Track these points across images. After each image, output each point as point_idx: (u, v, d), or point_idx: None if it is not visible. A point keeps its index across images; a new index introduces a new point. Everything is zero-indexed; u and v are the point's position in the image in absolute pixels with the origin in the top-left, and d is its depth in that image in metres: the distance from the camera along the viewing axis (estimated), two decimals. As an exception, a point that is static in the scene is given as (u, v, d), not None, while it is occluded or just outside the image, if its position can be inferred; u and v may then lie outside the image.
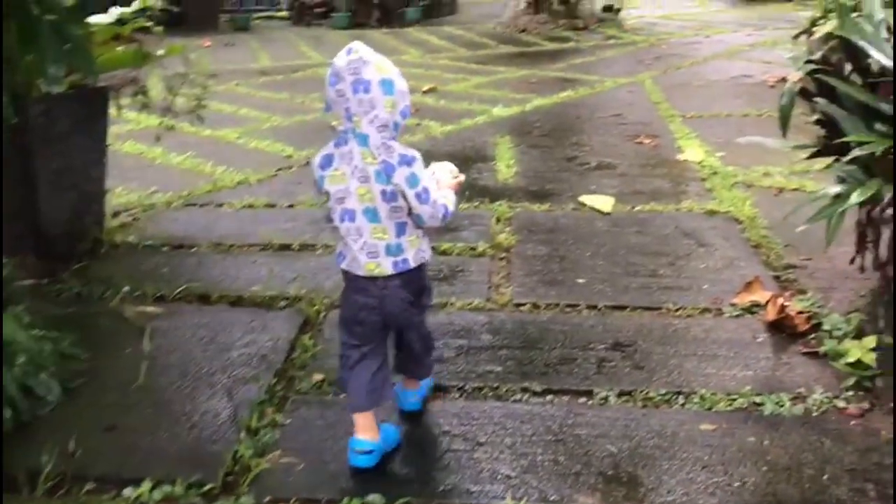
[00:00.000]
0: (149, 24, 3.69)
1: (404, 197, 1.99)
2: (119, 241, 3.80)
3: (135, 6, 3.57)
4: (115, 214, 4.16)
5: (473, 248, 3.70)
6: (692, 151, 5.06)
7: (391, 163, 1.96)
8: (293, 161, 5.11)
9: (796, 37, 6.64)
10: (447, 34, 11.22)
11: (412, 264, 2.07)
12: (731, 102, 6.45)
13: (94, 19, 3.52)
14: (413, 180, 1.98)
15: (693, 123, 5.81)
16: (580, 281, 3.36)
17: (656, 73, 7.78)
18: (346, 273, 2.11)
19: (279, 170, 4.94)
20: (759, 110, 6.07)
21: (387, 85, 1.95)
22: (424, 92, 7.18)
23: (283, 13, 13.67)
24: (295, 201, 4.37)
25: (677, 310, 3.10)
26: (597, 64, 8.43)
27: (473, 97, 6.89)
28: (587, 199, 4.29)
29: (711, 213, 4.08)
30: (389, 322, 2.14)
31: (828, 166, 3.00)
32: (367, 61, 1.94)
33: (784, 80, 7.11)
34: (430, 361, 2.42)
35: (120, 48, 3.53)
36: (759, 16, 11.77)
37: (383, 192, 1.98)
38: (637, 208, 4.17)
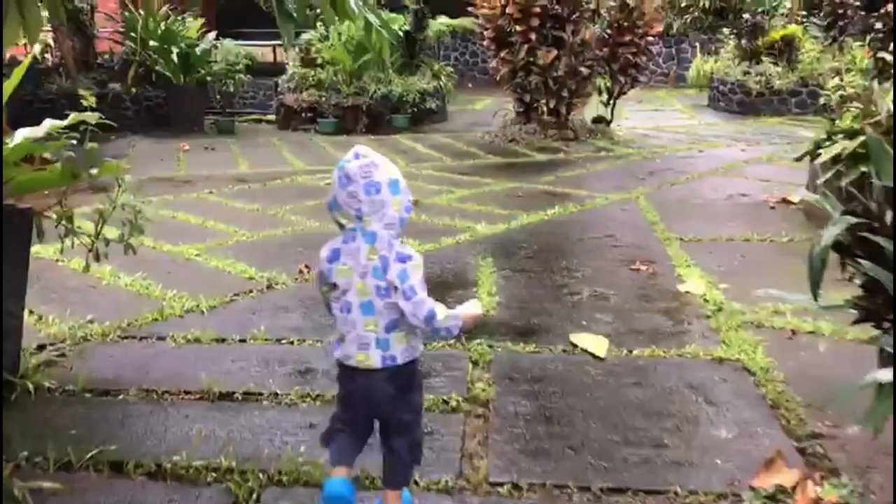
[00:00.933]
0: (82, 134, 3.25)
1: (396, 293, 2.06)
2: (35, 386, 3.26)
3: (70, 120, 3.13)
4: (40, 349, 3.65)
5: (446, 402, 3.18)
6: (693, 282, 4.60)
7: (388, 258, 2.06)
8: (253, 284, 4.63)
9: (799, 159, 6.32)
10: (435, 142, 10.98)
11: (399, 361, 2.15)
12: (730, 224, 6.05)
13: (22, 133, 3.08)
14: (402, 276, 2.05)
15: (692, 248, 5.38)
16: (570, 451, 2.82)
17: (650, 190, 7.43)
18: (338, 362, 2.21)
19: (236, 295, 4.44)
20: (762, 235, 5.67)
21: (394, 185, 2.07)
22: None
23: (272, 117, 13.49)
24: (248, 334, 3.86)
25: (687, 495, 2.56)
26: (588, 177, 8.10)
27: (456, 212, 6.49)
28: (579, 338, 3.80)
29: (719, 360, 3.58)
30: (375, 414, 2.23)
31: (872, 339, 2.51)
32: (377, 164, 2.06)
33: (786, 201, 6.78)
34: (411, 472, 2.38)
35: (48, 166, 3.07)
36: (752, 130, 11.62)
37: (377, 287, 2.08)
38: (635, 352, 3.67)
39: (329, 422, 2.32)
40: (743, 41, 14.30)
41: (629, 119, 12.92)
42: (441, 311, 2.10)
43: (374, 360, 2.13)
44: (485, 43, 11.30)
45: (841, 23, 13.80)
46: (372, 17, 3.86)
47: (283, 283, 4.66)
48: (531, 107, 11.07)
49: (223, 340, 3.80)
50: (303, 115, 12.62)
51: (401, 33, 13.07)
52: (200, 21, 13.06)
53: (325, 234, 5.83)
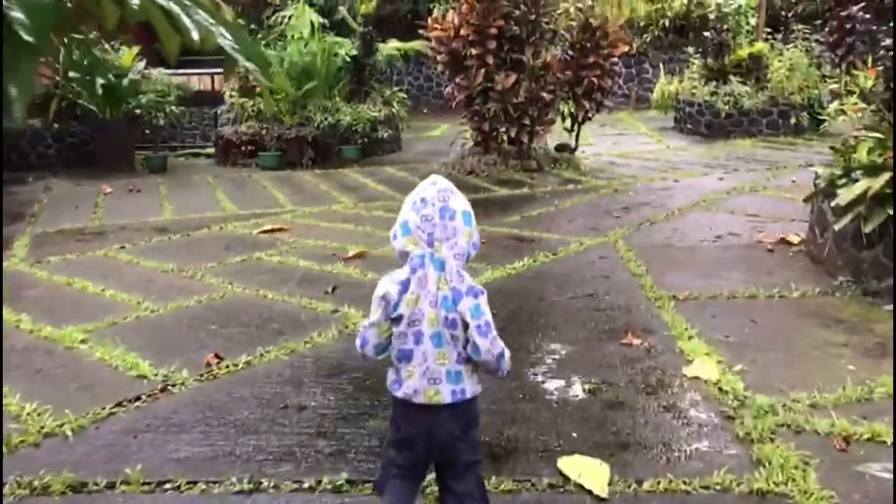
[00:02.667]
0: None
1: (465, 327, 2.04)
2: None
3: None
4: None
5: None
6: (702, 364, 3.69)
7: (460, 290, 2.05)
8: (143, 386, 3.60)
9: (808, 199, 5.44)
10: (387, 176, 10.03)
11: (468, 395, 2.12)
12: (728, 275, 5.17)
13: None
14: (476, 312, 2.03)
15: (690, 310, 4.49)
16: None
17: (628, 231, 6.55)
18: (398, 401, 2.13)
19: (118, 405, 3.41)
20: (768, 289, 4.81)
21: (467, 217, 2.09)
22: (349, 258, 5.80)
23: (212, 150, 12.42)
24: (119, 475, 2.82)
25: None
26: (557, 216, 7.20)
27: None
28: (569, 465, 2.84)
29: (761, 495, 2.64)
30: (438, 455, 2.15)
31: None
32: (454, 192, 2.09)
33: (784, 241, 5.93)
34: None
35: None
36: (725, 155, 10.88)
37: (446, 318, 2.05)
38: (646, 485, 2.72)
39: (382, 467, 2.24)
40: (709, 60, 13.63)
41: (593, 145, 12.13)
42: (507, 354, 2.12)
43: (444, 394, 2.09)
44: (438, 68, 10.40)
45: (849, 39, 12.36)
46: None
47: (182, 382, 3.64)
48: (490, 135, 10.19)
49: (82, 488, 2.75)
50: (243, 148, 11.58)
51: (348, 58, 12.14)
52: (135, 49, 11.98)
53: (248, 301, 4.87)
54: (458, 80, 9.90)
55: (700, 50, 14.12)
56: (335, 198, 8.54)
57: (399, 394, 2.12)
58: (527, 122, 9.80)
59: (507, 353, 2.12)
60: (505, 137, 10.15)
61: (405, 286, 2.08)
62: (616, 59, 10.58)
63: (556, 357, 3.91)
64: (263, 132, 11.49)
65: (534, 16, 9.69)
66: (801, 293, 4.74)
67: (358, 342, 2.17)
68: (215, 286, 5.18)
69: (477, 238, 2.14)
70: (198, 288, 5.14)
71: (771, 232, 6.28)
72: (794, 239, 5.92)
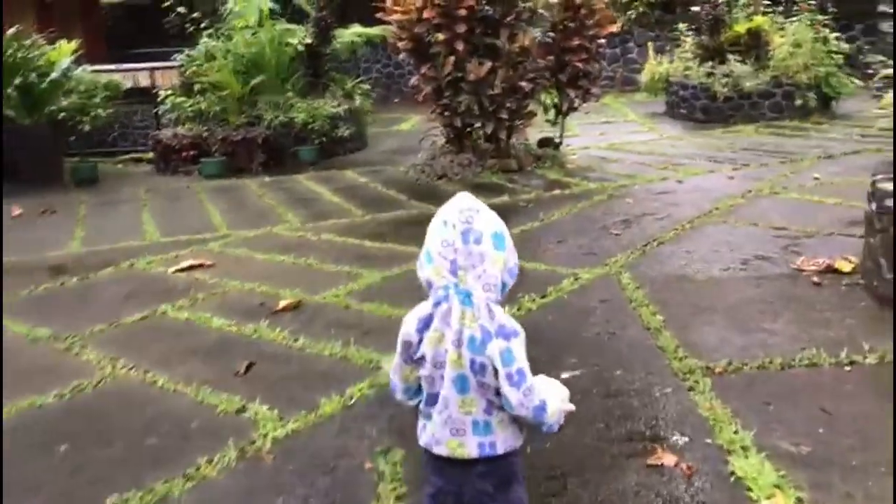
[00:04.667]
0: None
1: (495, 374, 1.73)
2: None
3: None
4: None
5: None
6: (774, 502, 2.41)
7: (488, 330, 1.74)
8: None
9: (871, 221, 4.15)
10: (346, 183, 8.71)
11: (499, 450, 1.82)
12: (771, 327, 3.93)
13: None
14: (507, 357, 1.74)
15: (734, 392, 3.25)
16: None
17: (632, 256, 5.27)
18: (425, 450, 1.90)
19: None
20: (832, 351, 3.59)
21: (498, 239, 1.78)
22: (278, 311, 4.50)
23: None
24: None
25: None
26: (543, 234, 5.91)
27: (354, 327, 4.22)
28: None
29: None
30: None
31: None
32: (480, 210, 1.79)
33: (832, 270, 4.67)
34: None
35: None
36: (727, 145, 9.61)
37: (472, 362, 1.76)
38: None
39: None
40: (703, 37, 12.34)
41: (579, 136, 10.86)
42: (551, 403, 1.80)
43: (469, 447, 1.81)
44: (401, 56, 9.05)
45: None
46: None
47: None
48: (463, 132, 8.89)
49: None
50: (184, 154, 10.21)
51: (301, 48, 10.76)
52: (72, 45, 10.56)
53: (128, 395, 3.38)
54: (423, 69, 8.59)
55: (693, 26, 12.83)
56: (280, 215, 7.21)
57: (421, 442, 1.91)
58: (504, 115, 8.50)
59: (552, 405, 1.80)
60: (480, 134, 8.84)
61: (426, 323, 1.81)
62: (603, 41, 9.28)
63: (556, 496, 2.62)
64: (206, 135, 10.12)
65: (508, -7, 8.36)
66: (877, 356, 3.49)
67: (391, 386, 1.98)
68: (91, 366, 3.87)
69: (514, 263, 1.84)
70: (67, 370, 3.84)
71: (810, 254, 5.02)
72: (845, 266, 4.67)
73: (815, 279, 4.57)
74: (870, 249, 4.36)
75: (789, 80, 11.31)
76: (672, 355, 3.66)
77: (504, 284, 1.81)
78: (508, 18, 8.36)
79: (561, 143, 9.54)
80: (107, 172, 10.30)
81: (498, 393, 1.78)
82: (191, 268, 5.57)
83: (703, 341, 3.80)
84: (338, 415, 3.24)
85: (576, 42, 8.73)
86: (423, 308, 1.84)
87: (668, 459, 2.78)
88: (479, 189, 7.76)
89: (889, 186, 4.02)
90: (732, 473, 2.66)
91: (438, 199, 7.54)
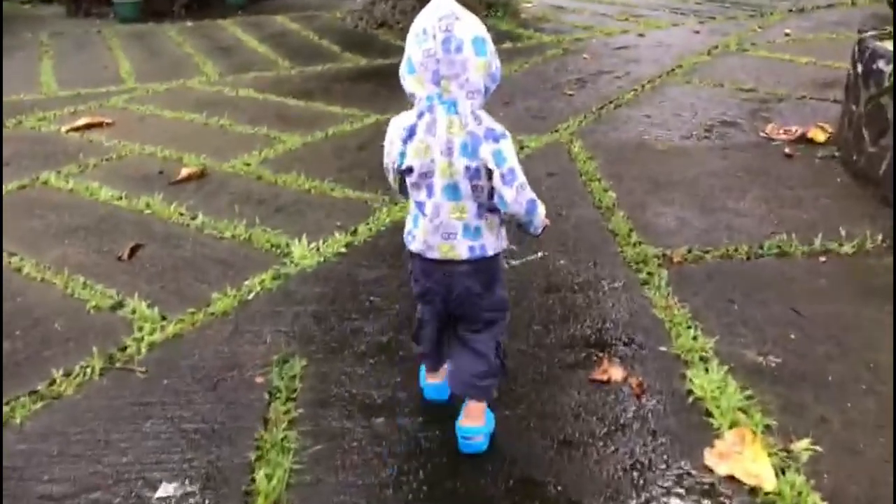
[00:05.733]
0: None
1: (489, 176, 1.76)
2: None
3: None
4: None
5: None
6: (737, 441, 2.05)
7: (477, 135, 1.75)
8: None
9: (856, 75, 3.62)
10: (275, 29, 7.84)
11: (489, 252, 1.88)
12: (736, 206, 3.50)
13: None
14: (499, 157, 1.75)
15: (694, 287, 2.83)
16: None
17: (586, 121, 4.72)
18: (413, 255, 1.93)
19: None
20: (805, 236, 3.14)
21: (479, 44, 1.70)
22: (179, 181, 3.89)
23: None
24: None
25: None
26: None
27: (264, 203, 3.66)
28: None
29: None
30: (456, 310, 1.96)
31: None
32: (459, 17, 1.69)
33: (806, 139, 4.18)
34: (495, 382, 2.04)
35: None
36: (694, -5, 8.87)
37: (467, 168, 1.77)
38: None
39: (416, 321, 2.09)
40: None
41: (535, -18, 9.93)
42: (539, 203, 1.86)
43: (460, 250, 1.85)
44: None
45: None
46: None
47: None
48: (407, -26, 7.96)
49: None
50: (96, -7, 9.12)
51: None
52: None
53: None
54: None
55: None
56: (197, 66, 6.42)
57: (412, 247, 1.90)
58: (452, -44, 7.56)
59: (541, 206, 1.86)
60: (425, -23, 7.93)
61: (410, 133, 1.77)
62: None
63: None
64: (120, -29, 9.00)
65: None
66: (854, 244, 3.07)
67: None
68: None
69: (496, 68, 1.76)
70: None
71: (781, 121, 4.53)
72: (820, 135, 4.19)
73: (787, 150, 4.10)
74: (850, 118, 3.86)
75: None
76: (624, 240, 3.19)
77: (487, 89, 1.76)
78: None
79: (515, -12, 8.69)
80: (10, 15, 9.17)
81: (491, 196, 1.79)
82: (87, 126, 4.87)
83: (660, 223, 3.34)
84: (231, 314, 2.73)
85: None
86: (406, 118, 1.79)
87: (615, 373, 2.35)
88: (422, 40, 6.98)
89: (884, 45, 3.46)
90: (690, 393, 2.25)
91: (375, 50, 6.83)
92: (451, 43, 1.69)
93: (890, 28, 3.81)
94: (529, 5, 8.60)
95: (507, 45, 6.75)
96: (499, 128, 1.78)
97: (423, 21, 1.72)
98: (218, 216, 3.50)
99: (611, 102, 5.08)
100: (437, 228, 1.84)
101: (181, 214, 3.53)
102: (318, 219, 3.46)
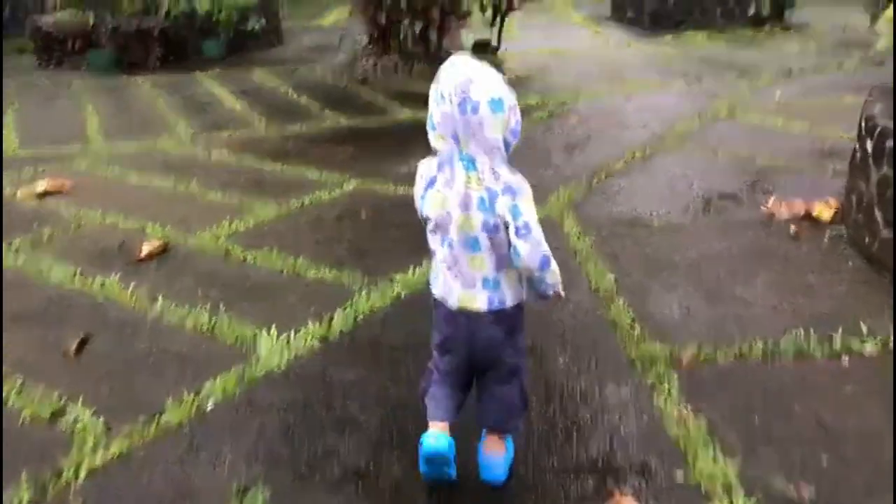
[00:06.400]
0: None
1: (506, 229, 1.83)
2: None
3: None
4: None
5: None
6: None
7: (495, 190, 1.82)
8: None
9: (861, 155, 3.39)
10: (253, 85, 7.61)
11: (508, 303, 1.93)
12: (745, 294, 3.27)
13: None
14: (515, 211, 1.82)
15: (708, 396, 2.58)
16: None
17: (577, 191, 4.50)
18: (437, 301, 1.98)
19: None
20: (822, 333, 2.90)
21: (496, 104, 1.77)
22: (137, 259, 3.57)
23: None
24: None
25: None
26: (474, 162, 5.02)
27: (230, 285, 3.35)
28: None
29: None
30: (477, 360, 1.99)
31: None
32: (474, 80, 1.75)
33: (810, 217, 3.92)
34: (521, 420, 2.14)
35: None
36: (679, 55, 8.78)
37: (485, 223, 1.84)
38: None
39: (425, 374, 2.10)
40: (656, -67, 11.26)
41: (519, 39, 9.84)
42: (552, 260, 1.89)
43: (479, 302, 1.90)
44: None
45: None
46: None
47: None
48: (389, 31, 7.80)
49: None
50: (69, 44, 8.86)
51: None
52: None
53: None
54: (343, -45, 7.38)
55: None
56: (169, 123, 6.14)
57: (435, 292, 1.97)
58: (435, 14, 7.43)
59: (555, 266, 1.90)
60: (408, 34, 7.78)
61: (430, 183, 1.87)
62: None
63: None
64: (95, 23, 8.78)
65: None
66: (879, 342, 2.80)
67: None
68: None
69: (516, 122, 1.83)
70: None
71: (781, 194, 4.30)
72: (825, 213, 3.96)
73: (793, 229, 3.85)
74: (858, 196, 3.64)
75: (745, -16, 10.43)
76: (627, 334, 2.91)
77: (508, 144, 1.82)
78: None
79: (499, 47, 8.55)
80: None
81: (510, 248, 1.83)
82: (45, 193, 4.55)
83: (664, 314, 3.06)
84: (186, 426, 2.40)
85: (519, -72, 7.64)
86: (430, 167, 1.88)
87: (628, 508, 2.04)
88: (406, 99, 6.80)
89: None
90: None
91: (356, 109, 6.59)
92: (468, 105, 1.74)
93: (899, 103, 3.60)
94: (514, 64, 8.44)
95: (492, 105, 6.53)
96: (517, 182, 1.82)
97: (442, 84, 1.78)
98: (179, 301, 3.18)
99: (602, 171, 4.85)
100: (457, 277, 1.90)
101: (138, 299, 3.21)
102: (289, 305, 3.15)
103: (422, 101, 6.24)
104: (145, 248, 3.69)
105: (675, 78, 7.59)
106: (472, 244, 1.86)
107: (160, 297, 3.20)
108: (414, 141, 5.50)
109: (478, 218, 1.83)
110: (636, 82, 7.37)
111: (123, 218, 4.11)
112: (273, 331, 2.89)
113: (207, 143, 5.60)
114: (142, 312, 3.10)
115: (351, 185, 4.61)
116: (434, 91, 1.82)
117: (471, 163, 1.81)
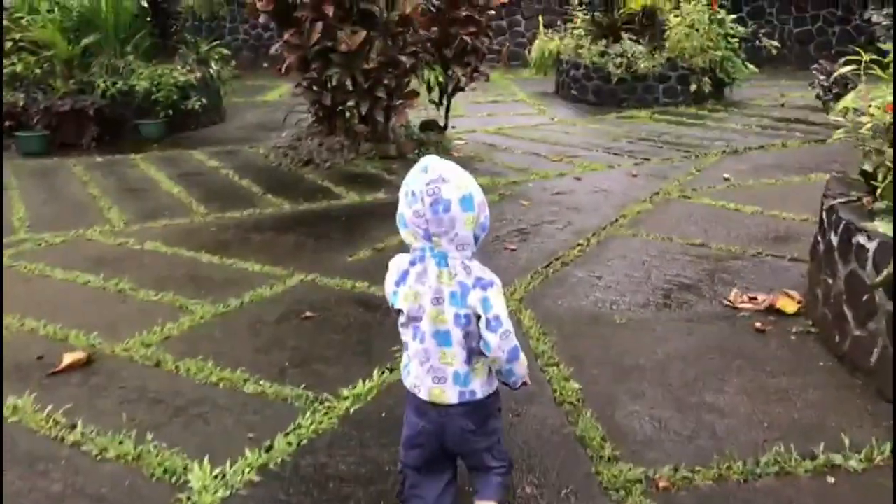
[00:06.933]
0: None
1: (477, 321, 1.87)
2: None
3: None
4: None
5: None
6: None
7: (467, 284, 1.88)
8: None
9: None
10: (192, 167, 7.34)
11: (479, 395, 1.96)
12: (716, 401, 3.09)
13: None
14: (486, 304, 1.87)
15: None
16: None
17: (533, 283, 4.33)
18: (408, 391, 2.01)
19: None
20: (802, 444, 2.72)
21: (467, 202, 1.83)
22: (56, 372, 3.23)
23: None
24: None
25: None
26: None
27: (160, 402, 3.05)
28: None
29: None
30: (448, 449, 2.03)
31: None
32: (447, 179, 1.82)
33: (775, 308, 3.77)
34: (504, 482, 2.14)
35: None
36: (624, 133, 8.83)
37: (457, 316, 1.89)
38: None
39: (399, 478, 2.11)
40: (596, 14, 11.54)
41: (466, 116, 9.89)
42: (521, 354, 1.95)
43: (450, 395, 1.94)
44: (260, 20, 7.68)
45: None
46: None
47: None
48: (335, 111, 7.65)
49: None
50: (-2, 124, 8.49)
51: (144, 3, 9.17)
52: None
53: None
54: (287, 35, 7.27)
55: (586, 1, 12.00)
56: (101, 211, 5.82)
57: (406, 383, 2.01)
58: (382, 94, 7.34)
59: (523, 358, 1.95)
60: (354, 113, 7.64)
61: (403, 277, 1.92)
62: (493, 12, 8.23)
63: None
64: (25, 103, 8.45)
65: (387, -49, 7.17)
66: (863, 456, 2.62)
67: None
68: None
69: (485, 217, 1.90)
70: None
71: (742, 283, 4.20)
72: (789, 306, 3.84)
73: (758, 324, 3.71)
74: (825, 290, 3.52)
75: (685, 64, 10.67)
76: (597, 452, 2.68)
77: (477, 237, 1.88)
78: (387, -19, 7.18)
79: (446, 126, 8.49)
80: None
81: (480, 341, 1.88)
82: (-42, 293, 4.17)
83: (634, 428, 2.84)
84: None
85: (464, 12, 7.66)
86: (402, 261, 1.93)
87: None
88: (353, 182, 6.62)
89: (866, 224, 3.14)
90: None
91: (300, 193, 6.35)
92: (440, 205, 1.79)
93: (859, 195, 3.53)
94: (461, 142, 8.37)
95: (441, 188, 6.37)
96: (488, 276, 1.89)
97: (413, 183, 1.83)
98: (102, 426, 2.85)
99: (557, 259, 4.69)
100: (428, 372, 1.93)
101: (54, 424, 2.86)
102: (225, 427, 2.84)
103: (367, 183, 6.10)
104: (67, 359, 3.35)
105: (623, 157, 7.58)
106: (443, 338, 1.90)
107: (80, 421, 2.86)
108: (359, 227, 5.30)
109: (450, 312, 1.88)
110: (585, 162, 7.33)
111: (44, 324, 3.76)
112: (206, 462, 2.57)
113: (141, 233, 5.29)
114: (58, 441, 2.76)
115: (294, 280, 4.35)
116: (405, 190, 1.85)
117: (443, 259, 1.86)
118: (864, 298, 3.08)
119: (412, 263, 1.91)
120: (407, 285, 1.91)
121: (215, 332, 3.70)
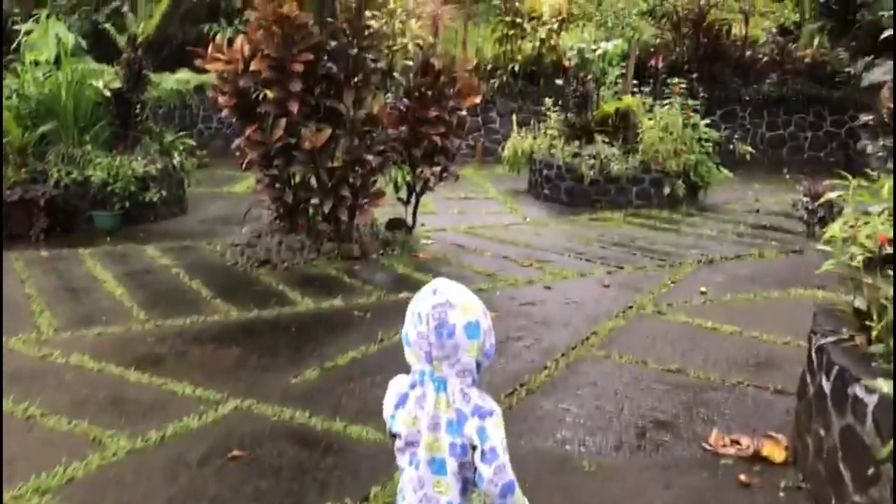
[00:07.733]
0: None
1: (473, 451, 1.82)
2: None
3: None
4: None
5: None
6: None
7: (464, 412, 1.83)
8: None
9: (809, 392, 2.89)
10: (140, 266, 6.92)
11: None
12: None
13: None
14: (482, 434, 1.82)
15: None
16: None
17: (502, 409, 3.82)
18: None
19: None
20: None
21: (472, 329, 1.82)
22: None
23: None
24: None
25: None
26: (379, 368, 4.48)
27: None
28: None
29: None
30: None
31: None
32: (454, 304, 1.81)
33: (760, 457, 3.32)
34: None
35: None
36: (597, 237, 8.56)
37: (452, 445, 1.84)
38: None
39: None
40: (570, 115, 11.48)
41: (435, 213, 9.62)
42: (518, 488, 1.85)
43: None
44: (223, 113, 7.43)
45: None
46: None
47: None
48: (297, 208, 7.34)
49: None
50: (-58, 213, 8.04)
51: (108, 93, 8.91)
52: None
53: None
54: (249, 131, 6.99)
55: (559, 102, 11.96)
56: (32, 315, 5.36)
57: None
58: (346, 192, 7.04)
59: (520, 495, 1.84)
60: (317, 211, 7.32)
61: (402, 400, 1.89)
62: (464, 113, 8.04)
63: None
64: (-28, 191, 8.05)
65: (356, 50, 6.99)
66: None
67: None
68: None
69: (490, 345, 1.87)
70: None
71: (722, 421, 3.82)
72: (776, 453, 3.46)
73: (742, 476, 3.30)
74: (816, 442, 3.13)
75: (658, 166, 10.54)
76: None
77: (479, 364, 1.85)
78: (355, 80, 6.99)
79: (414, 225, 8.18)
80: None
81: (475, 472, 1.83)
82: None
83: None
84: None
85: (433, 113, 7.44)
86: (402, 383, 1.91)
87: None
88: (310, 285, 6.23)
89: (866, 383, 2.78)
90: None
91: (251, 298, 5.88)
92: (444, 329, 1.77)
93: (851, 333, 3.19)
94: (429, 242, 8.05)
95: (403, 294, 6.01)
96: (488, 405, 1.84)
97: (419, 305, 1.81)
98: None
99: (522, 385, 4.30)
100: (421, 501, 1.86)
101: None
102: None
103: (325, 287, 5.64)
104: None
105: (595, 264, 7.28)
106: (438, 466, 1.85)
107: None
108: (310, 340, 4.89)
109: (445, 440, 1.83)
110: (556, 268, 7.01)
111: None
112: None
113: (69, 343, 4.83)
114: None
115: (227, 407, 3.91)
116: (411, 310, 1.84)
117: (441, 384, 1.83)
118: (866, 462, 2.70)
119: (412, 386, 1.89)
120: (406, 409, 1.88)
121: (126, 474, 3.23)
